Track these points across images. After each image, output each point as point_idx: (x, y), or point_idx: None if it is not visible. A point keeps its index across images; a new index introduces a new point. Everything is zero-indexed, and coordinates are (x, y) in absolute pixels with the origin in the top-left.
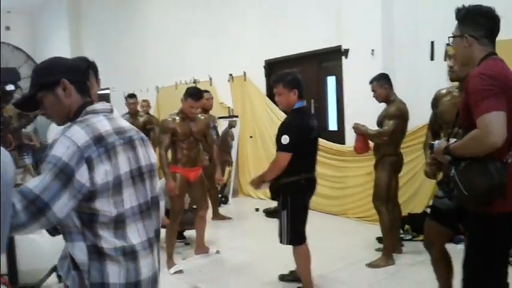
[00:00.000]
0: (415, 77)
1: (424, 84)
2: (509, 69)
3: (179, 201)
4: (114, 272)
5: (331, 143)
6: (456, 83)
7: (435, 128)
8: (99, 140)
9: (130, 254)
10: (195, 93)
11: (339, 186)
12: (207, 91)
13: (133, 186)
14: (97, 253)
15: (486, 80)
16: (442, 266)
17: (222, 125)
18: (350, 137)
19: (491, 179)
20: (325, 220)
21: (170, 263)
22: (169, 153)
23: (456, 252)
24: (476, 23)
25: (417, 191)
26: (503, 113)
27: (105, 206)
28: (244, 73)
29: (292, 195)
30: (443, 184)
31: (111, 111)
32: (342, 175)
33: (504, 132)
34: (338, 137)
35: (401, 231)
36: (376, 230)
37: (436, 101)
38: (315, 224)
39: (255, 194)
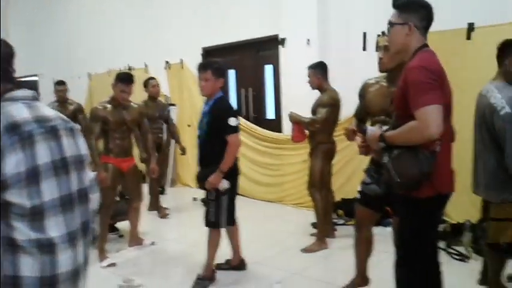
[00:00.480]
0: (348, 66)
1: (356, 74)
2: (440, 63)
3: (110, 193)
4: (27, 265)
5: (269, 132)
6: (384, 73)
7: (361, 116)
8: (13, 127)
9: (46, 246)
10: (125, 77)
11: (277, 174)
12: (153, 78)
13: (55, 178)
14: (10, 245)
15: (426, 73)
16: (365, 247)
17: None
18: (287, 125)
19: (421, 167)
20: (262, 207)
21: (102, 256)
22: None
23: (385, 234)
24: (418, 13)
25: (350, 177)
26: (441, 106)
27: (17, 198)
28: (181, 60)
29: (232, 179)
30: (371, 170)
31: (34, 98)
32: (280, 163)
33: (441, 125)
34: (276, 125)
35: (336, 216)
36: (312, 216)
37: (363, 91)
38: (252, 212)
39: (193, 183)
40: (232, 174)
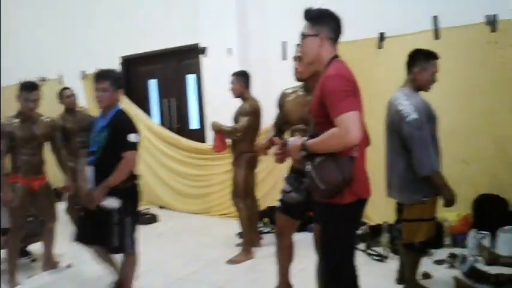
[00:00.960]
0: (268, 75)
1: (276, 83)
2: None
3: (20, 214)
4: None
5: (193, 142)
6: (301, 83)
7: (280, 126)
8: None
9: None
10: (27, 85)
11: (202, 185)
12: (67, 88)
13: None
14: None
15: (343, 82)
16: (286, 254)
17: None
18: (212, 135)
19: (343, 173)
20: (187, 220)
21: (12, 283)
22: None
23: (309, 240)
24: (329, 25)
25: (275, 185)
26: (358, 112)
27: None
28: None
29: (130, 201)
30: (290, 179)
31: None
32: (204, 173)
33: (360, 131)
34: (200, 135)
35: (262, 225)
36: (238, 226)
37: (281, 100)
38: (176, 225)
39: None
40: (130, 195)
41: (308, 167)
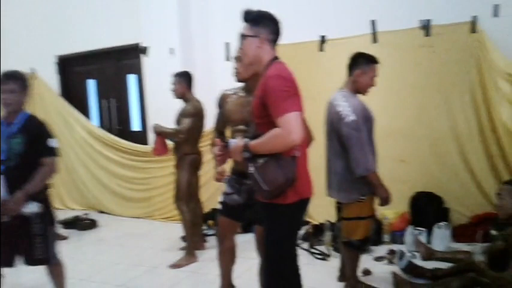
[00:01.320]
0: (211, 76)
1: (220, 84)
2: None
3: None
4: None
5: (135, 144)
6: (241, 84)
7: (220, 127)
8: None
9: None
10: None
11: (144, 188)
12: None
13: None
14: None
15: (284, 82)
16: (229, 256)
17: None
18: (153, 137)
19: (287, 173)
20: (129, 224)
21: None
22: None
23: (252, 241)
24: (268, 27)
25: (219, 187)
26: (300, 113)
27: None
28: (33, 70)
29: (49, 206)
30: (231, 181)
31: None
32: (147, 176)
33: (302, 131)
34: (142, 137)
35: (206, 227)
36: (182, 230)
37: (221, 101)
38: (117, 230)
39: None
40: (46, 202)
41: (251, 169)
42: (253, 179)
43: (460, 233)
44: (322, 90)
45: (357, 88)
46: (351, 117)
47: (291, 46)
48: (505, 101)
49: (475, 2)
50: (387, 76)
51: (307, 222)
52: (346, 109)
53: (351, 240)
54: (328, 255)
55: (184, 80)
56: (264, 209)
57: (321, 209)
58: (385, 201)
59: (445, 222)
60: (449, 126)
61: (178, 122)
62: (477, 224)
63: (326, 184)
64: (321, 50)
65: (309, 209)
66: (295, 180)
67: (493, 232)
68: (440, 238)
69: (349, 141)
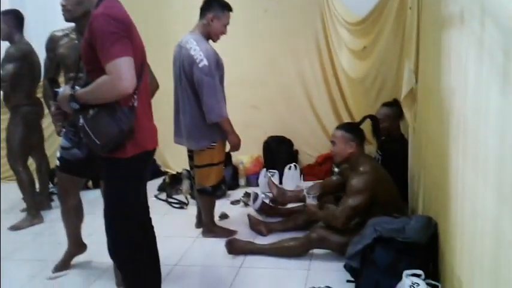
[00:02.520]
0: (46, 15)
1: (58, 25)
2: (127, 13)
3: None
4: None
5: None
6: (72, 24)
7: (51, 74)
8: None
9: None
10: None
11: None
12: None
13: None
14: None
15: (112, 23)
16: (74, 214)
17: None
18: None
19: (120, 125)
20: None
21: None
22: None
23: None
24: None
25: None
26: (132, 58)
27: None
28: None
29: None
30: (69, 133)
31: None
32: None
33: (134, 78)
34: None
35: (52, 185)
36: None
37: (50, 44)
38: None
39: None
40: None
41: (81, 121)
42: (84, 132)
43: (308, 172)
44: (171, 32)
45: (209, 33)
46: (204, 62)
47: None
48: (345, 48)
49: None
50: (237, 24)
51: (165, 173)
52: (199, 53)
53: (205, 187)
54: (187, 204)
55: (11, 18)
56: (103, 164)
57: (178, 158)
58: (235, 147)
59: (294, 164)
60: (297, 73)
61: (2, 68)
62: (322, 163)
63: (174, 131)
64: None
65: (166, 159)
66: (132, 132)
67: (335, 169)
68: (291, 178)
69: (202, 87)
